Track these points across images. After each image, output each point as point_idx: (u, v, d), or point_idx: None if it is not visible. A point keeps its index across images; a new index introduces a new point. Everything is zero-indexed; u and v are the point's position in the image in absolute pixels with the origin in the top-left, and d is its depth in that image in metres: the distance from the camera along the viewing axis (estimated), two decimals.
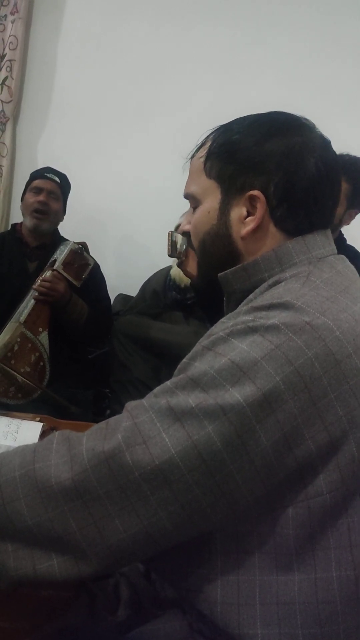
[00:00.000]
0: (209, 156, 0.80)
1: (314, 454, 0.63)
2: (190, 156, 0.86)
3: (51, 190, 2.21)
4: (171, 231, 1.30)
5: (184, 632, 0.74)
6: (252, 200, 0.77)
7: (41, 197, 2.18)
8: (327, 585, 0.65)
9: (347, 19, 2.50)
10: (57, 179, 2.23)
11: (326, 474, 0.64)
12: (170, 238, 1.29)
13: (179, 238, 1.27)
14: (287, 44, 2.57)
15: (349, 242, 2.11)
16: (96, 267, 2.25)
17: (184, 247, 1.23)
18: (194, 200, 0.84)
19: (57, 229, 2.33)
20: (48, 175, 2.23)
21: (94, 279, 2.25)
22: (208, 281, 0.85)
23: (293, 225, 0.77)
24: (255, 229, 0.77)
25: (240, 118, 0.82)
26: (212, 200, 0.81)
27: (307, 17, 2.54)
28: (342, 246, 2.06)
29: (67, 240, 2.23)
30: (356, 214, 1.98)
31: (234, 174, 0.78)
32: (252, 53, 2.63)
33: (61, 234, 2.34)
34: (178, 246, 1.27)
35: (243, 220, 0.78)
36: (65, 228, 2.35)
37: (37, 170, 2.30)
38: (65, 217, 2.32)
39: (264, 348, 0.62)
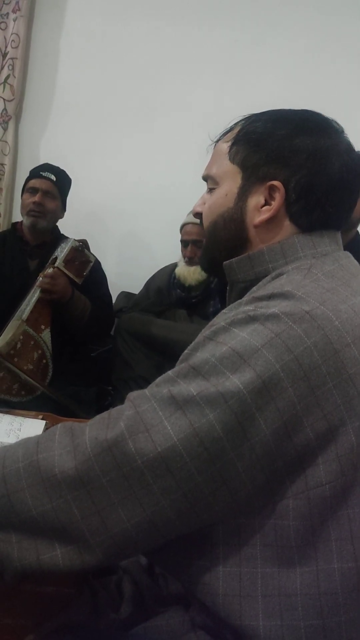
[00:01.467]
0: (235, 142, 0.81)
1: (313, 443, 0.63)
2: (215, 139, 0.86)
3: (47, 190, 2.19)
4: None
5: (186, 628, 0.74)
6: (272, 190, 0.78)
7: (36, 198, 2.17)
8: (328, 577, 0.65)
9: (347, 19, 2.50)
10: (52, 177, 2.21)
11: (326, 464, 0.64)
12: None
13: None
14: (287, 44, 2.57)
15: None
16: (97, 264, 2.25)
17: None
18: (212, 182, 0.84)
19: (57, 226, 2.32)
20: (44, 174, 2.21)
21: (95, 276, 2.25)
22: (212, 267, 0.87)
23: (307, 223, 0.78)
24: (269, 219, 0.78)
25: (272, 110, 0.82)
26: (231, 184, 0.81)
27: (308, 17, 2.54)
28: (358, 247, 2.04)
29: (67, 237, 2.23)
30: None
31: (259, 163, 0.78)
32: (252, 52, 2.63)
33: (62, 232, 2.34)
34: None
35: (259, 209, 0.79)
36: (67, 226, 2.35)
37: (35, 168, 2.28)
38: (67, 214, 2.31)
39: (265, 336, 0.63)
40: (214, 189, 0.84)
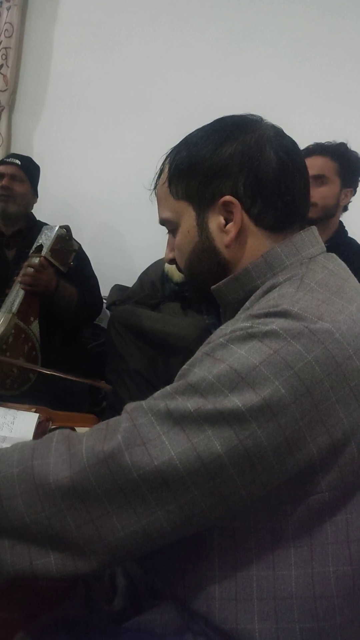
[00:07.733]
0: (171, 179, 0.81)
1: (315, 457, 0.63)
2: (152, 187, 0.87)
3: (12, 174, 2.24)
4: None
5: (180, 622, 0.74)
6: (226, 206, 0.77)
7: (3, 182, 2.22)
8: (324, 580, 0.65)
9: (344, 14, 2.49)
10: (17, 162, 2.26)
11: (326, 473, 0.64)
12: None
13: None
14: (284, 36, 2.56)
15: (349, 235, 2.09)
16: (79, 249, 2.24)
17: None
18: (170, 225, 0.85)
19: (32, 213, 2.34)
20: (8, 160, 2.27)
21: (78, 260, 2.22)
22: (203, 297, 0.87)
23: (273, 220, 0.77)
24: (238, 234, 0.78)
25: (188, 135, 0.83)
26: (187, 220, 0.81)
27: (304, 10, 2.53)
28: (344, 240, 2.04)
29: (47, 224, 2.19)
30: (352, 193, 1.97)
31: (201, 187, 0.78)
32: (250, 44, 2.62)
33: (45, 221, 2.32)
34: None
35: (223, 229, 0.78)
36: (62, 217, 2.33)
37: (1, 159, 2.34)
38: (61, 207, 2.31)
39: (263, 353, 0.62)
40: (175, 230, 0.84)
